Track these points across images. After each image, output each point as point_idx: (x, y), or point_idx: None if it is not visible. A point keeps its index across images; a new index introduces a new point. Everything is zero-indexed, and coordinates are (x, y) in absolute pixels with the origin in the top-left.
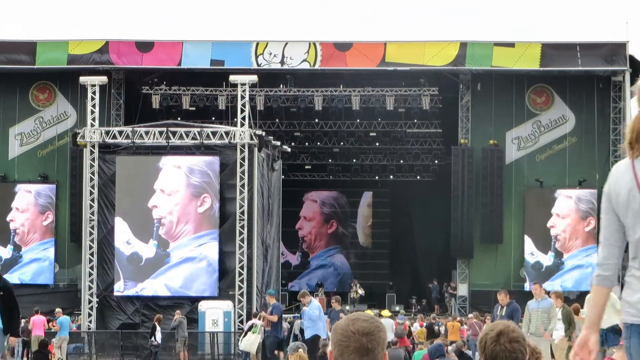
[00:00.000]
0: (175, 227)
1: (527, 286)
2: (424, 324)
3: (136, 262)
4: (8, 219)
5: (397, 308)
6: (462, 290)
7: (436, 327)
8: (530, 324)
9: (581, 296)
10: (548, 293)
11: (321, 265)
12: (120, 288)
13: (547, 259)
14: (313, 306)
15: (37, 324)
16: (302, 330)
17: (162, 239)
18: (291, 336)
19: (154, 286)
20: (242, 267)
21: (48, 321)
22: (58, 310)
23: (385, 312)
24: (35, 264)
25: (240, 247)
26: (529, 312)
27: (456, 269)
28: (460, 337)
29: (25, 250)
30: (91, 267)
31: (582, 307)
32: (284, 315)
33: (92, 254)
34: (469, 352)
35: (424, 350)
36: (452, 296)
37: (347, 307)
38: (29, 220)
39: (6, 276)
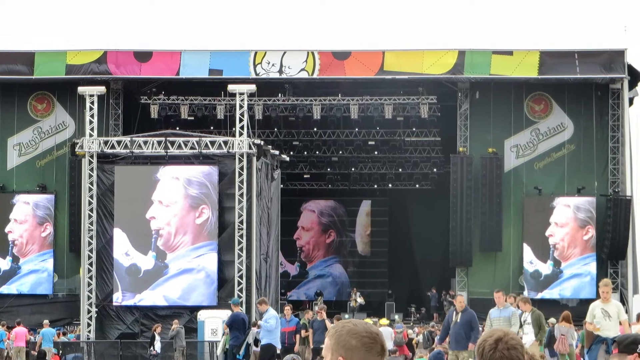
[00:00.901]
0: (173, 238)
1: (525, 294)
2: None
3: (135, 274)
4: (6, 230)
5: (395, 317)
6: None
7: (415, 337)
8: None
9: (581, 304)
10: (515, 298)
11: (319, 275)
12: (118, 299)
13: (546, 268)
14: (268, 316)
15: (19, 335)
16: (256, 340)
17: (160, 250)
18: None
19: (152, 297)
20: (241, 277)
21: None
22: (45, 322)
23: (384, 321)
24: (34, 275)
25: (240, 256)
26: (490, 320)
27: (455, 277)
28: None
29: (23, 261)
30: (90, 277)
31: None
32: None
33: (90, 264)
34: None
35: (424, 358)
36: (451, 304)
37: (346, 316)
38: (27, 231)
39: (5, 287)
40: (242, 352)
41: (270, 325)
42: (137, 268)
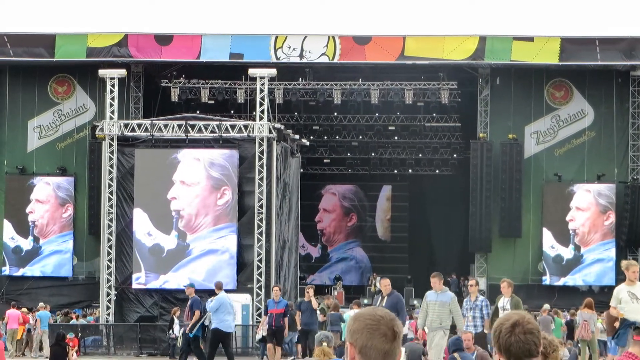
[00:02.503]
0: (194, 219)
1: (545, 280)
2: None
3: (158, 254)
4: (28, 210)
5: (415, 302)
6: (481, 284)
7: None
8: (427, 317)
9: (609, 291)
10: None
11: (342, 258)
12: (142, 280)
13: (567, 252)
14: (214, 298)
15: (12, 317)
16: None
17: (181, 231)
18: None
19: (177, 279)
20: (260, 261)
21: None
22: (41, 304)
23: None
24: (57, 256)
25: (259, 240)
26: (426, 303)
27: (474, 262)
28: None
29: (43, 242)
30: (109, 260)
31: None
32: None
33: (110, 247)
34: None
35: None
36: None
37: (366, 301)
38: (48, 212)
39: (28, 268)
40: (194, 331)
41: (212, 306)
42: (161, 248)
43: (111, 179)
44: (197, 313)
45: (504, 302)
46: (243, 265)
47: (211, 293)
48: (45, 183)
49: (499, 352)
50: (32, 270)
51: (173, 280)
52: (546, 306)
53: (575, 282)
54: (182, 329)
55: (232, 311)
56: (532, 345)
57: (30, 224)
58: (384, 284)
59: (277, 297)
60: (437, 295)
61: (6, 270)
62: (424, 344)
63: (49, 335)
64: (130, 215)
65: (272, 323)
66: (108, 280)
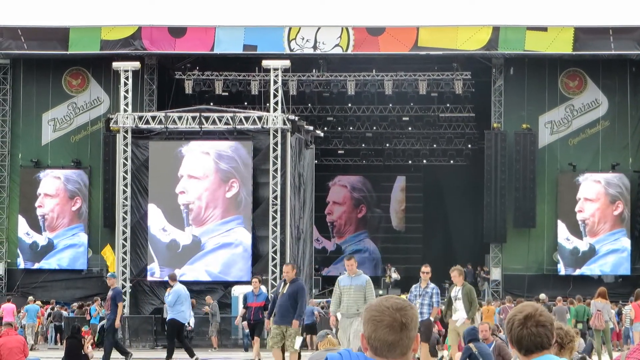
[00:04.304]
0: (203, 212)
1: (560, 270)
2: None
3: (174, 249)
4: (37, 204)
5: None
6: (496, 274)
7: None
8: (341, 303)
9: (624, 281)
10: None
11: (356, 250)
12: (157, 274)
13: (583, 245)
14: (171, 291)
15: (7, 311)
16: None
17: (190, 224)
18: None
19: (193, 272)
20: (275, 252)
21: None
22: (30, 298)
23: (404, 296)
24: (72, 250)
25: (274, 231)
26: (339, 288)
27: (489, 253)
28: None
29: (54, 235)
30: (124, 253)
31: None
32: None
33: (125, 239)
34: (502, 335)
35: None
36: (485, 280)
37: (381, 292)
38: (58, 205)
39: (44, 262)
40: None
41: (169, 300)
42: (176, 243)
43: (125, 172)
44: (120, 305)
45: (455, 291)
46: (258, 257)
47: (227, 285)
48: (54, 177)
49: (511, 343)
50: (48, 263)
51: (189, 273)
52: (542, 296)
53: (592, 272)
54: (105, 321)
55: (188, 302)
56: (544, 338)
57: (40, 218)
58: (285, 270)
59: (256, 290)
60: (350, 280)
61: (21, 264)
62: (337, 332)
63: (64, 328)
64: (144, 207)
65: (250, 317)
66: (123, 273)
